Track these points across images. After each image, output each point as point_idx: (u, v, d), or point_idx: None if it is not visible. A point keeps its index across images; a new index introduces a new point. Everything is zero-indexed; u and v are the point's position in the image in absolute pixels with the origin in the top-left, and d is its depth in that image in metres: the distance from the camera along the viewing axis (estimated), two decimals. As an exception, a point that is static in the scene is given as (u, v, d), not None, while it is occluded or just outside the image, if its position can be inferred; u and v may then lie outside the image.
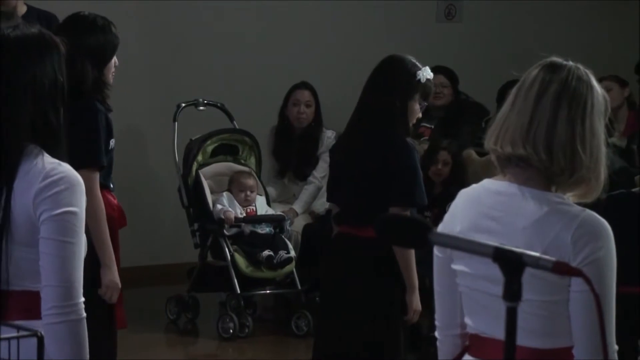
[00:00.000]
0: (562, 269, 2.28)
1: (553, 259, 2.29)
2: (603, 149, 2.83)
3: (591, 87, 2.82)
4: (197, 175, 7.35)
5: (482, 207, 2.88)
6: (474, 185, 2.98)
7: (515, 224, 2.82)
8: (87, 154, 4.47)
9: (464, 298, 2.86)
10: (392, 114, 4.64)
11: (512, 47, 9.29)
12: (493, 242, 2.39)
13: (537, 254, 2.31)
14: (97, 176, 4.54)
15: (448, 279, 2.86)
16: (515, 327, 2.27)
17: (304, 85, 7.53)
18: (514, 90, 2.81)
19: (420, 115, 4.55)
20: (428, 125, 7.67)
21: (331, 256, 4.91)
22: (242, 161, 7.52)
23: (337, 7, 9.27)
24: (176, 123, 7.53)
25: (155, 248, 8.49)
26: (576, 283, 2.69)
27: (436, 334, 2.96)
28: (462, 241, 2.47)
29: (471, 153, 7.94)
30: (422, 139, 7.45)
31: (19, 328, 2.93)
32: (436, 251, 2.86)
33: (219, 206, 7.18)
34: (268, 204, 7.44)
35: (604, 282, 2.72)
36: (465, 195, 2.91)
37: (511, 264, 2.25)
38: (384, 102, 4.64)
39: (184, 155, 7.49)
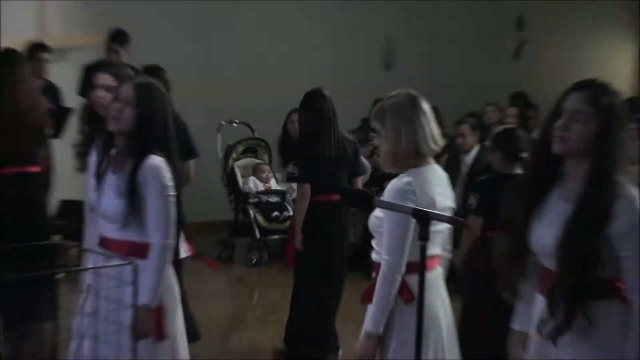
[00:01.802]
0: (456, 222, 3.52)
1: (449, 215, 3.48)
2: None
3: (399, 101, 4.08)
4: (232, 166, 10.61)
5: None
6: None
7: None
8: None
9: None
10: None
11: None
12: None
13: (438, 212, 3.53)
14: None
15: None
16: (425, 261, 3.27)
17: (296, 110, 7.92)
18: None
19: None
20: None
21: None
22: (260, 157, 10.73)
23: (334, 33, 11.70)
24: (219, 134, 10.70)
25: (209, 209, 10.61)
26: None
27: None
28: (391, 204, 3.60)
29: None
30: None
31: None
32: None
33: (245, 187, 10.38)
34: (277, 183, 10.56)
35: None
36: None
37: (422, 219, 3.36)
38: None
39: (224, 153, 10.65)
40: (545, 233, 3.57)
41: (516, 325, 3.87)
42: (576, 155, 3.53)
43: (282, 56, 12.12)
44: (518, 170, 6.19)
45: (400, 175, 4.19)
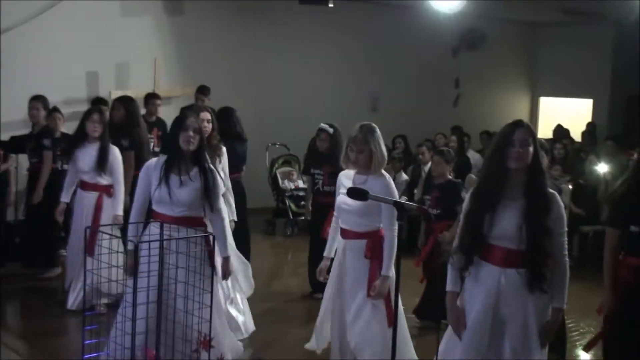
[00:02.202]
0: (420, 210, 3.88)
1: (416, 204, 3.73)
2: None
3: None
4: (275, 173, 13.82)
5: None
6: None
7: None
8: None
9: None
10: None
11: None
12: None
13: (409, 202, 3.79)
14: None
15: None
16: (399, 234, 3.85)
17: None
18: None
19: None
20: None
21: None
22: (292, 167, 13.96)
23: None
24: (267, 152, 13.91)
25: (261, 198, 13.44)
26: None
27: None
28: (381, 198, 4.00)
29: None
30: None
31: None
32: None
33: (283, 184, 13.81)
34: (302, 183, 13.43)
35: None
36: None
37: (399, 207, 3.84)
38: None
39: (270, 164, 13.81)
40: (505, 223, 4.19)
41: (450, 287, 4.50)
42: (522, 169, 4.20)
43: (305, 97, 15.38)
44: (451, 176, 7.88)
45: (378, 175, 5.23)
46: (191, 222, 5.45)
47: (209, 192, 5.43)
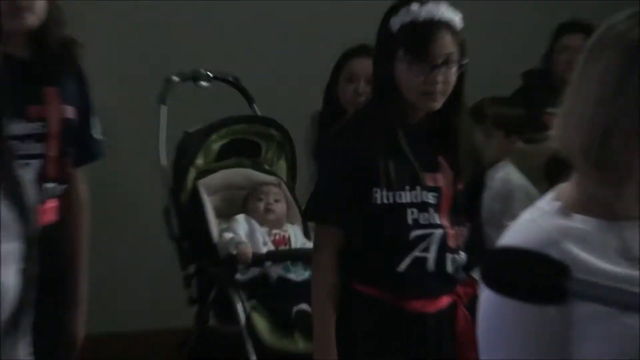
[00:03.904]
0: None
1: None
2: None
3: None
4: (196, 189, 5.38)
5: None
6: None
7: None
8: None
9: None
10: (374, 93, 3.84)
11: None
12: None
13: None
14: None
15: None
16: None
17: (364, 51, 5.28)
18: None
19: (440, 79, 3.40)
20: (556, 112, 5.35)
21: None
22: (267, 166, 5.49)
23: None
24: (165, 107, 5.47)
25: (130, 307, 6.49)
26: None
27: None
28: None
29: None
30: (546, 132, 5.18)
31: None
32: None
33: (228, 236, 5.15)
34: (306, 234, 5.35)
35: None
36: None
37: None
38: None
39: (175, 156, 5.45)
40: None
41: None
42: None
43: None
44: None
45: None
46: None
47: None
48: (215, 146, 5.33)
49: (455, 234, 3.54)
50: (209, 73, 5.59)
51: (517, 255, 1.66)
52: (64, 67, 3.92)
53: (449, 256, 3.50)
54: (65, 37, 3.90)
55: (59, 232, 3.94)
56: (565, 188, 1.80)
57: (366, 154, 3.41)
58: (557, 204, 1.78)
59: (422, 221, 3.46)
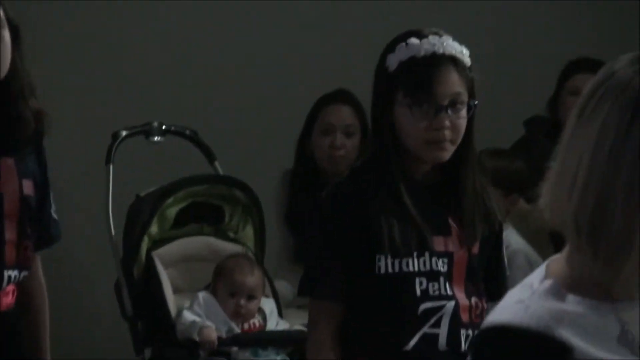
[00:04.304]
0: None
1: None
2: None
3: None
4: (150, 261, 4.88)
5: None
6: None
7: None
8: None
9: None
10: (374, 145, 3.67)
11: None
12: None
13: None
14: None
15: None
16: None
17: (341, 97, 5.09)
18: None
19: (447, 124, 3.16)
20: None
21: None
22: (231, 234, 5.05)
23: None
24: (111, 166, 5.05)
25: None
26: None
27: None
28: None
29: None
30: None
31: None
32: None
33: (188, 316, 4.66)
34: (279, 312, 4.94)
35: None
36: None
37: None
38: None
39: (125, 224, 4.96)
40: None
41: None
42: None
43: None
44: None
45: None
46: None
47: None
48: (172, 211, 4.88)
49: (471, 307, 3.31)
50: (162, 126, 5.21)
51: (511, 338, 1.66)
52: (26, 138, 3.61)
53: (463, 332, 3.25)
54: (32, 105, 3.65)
55: (18, 317, 3.77)
56: (557, 262, 1.73)
57: (366, 216, 3.15)
58: (549, 282, 1.70)
59: (431, 292, 3.24)
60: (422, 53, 2.99)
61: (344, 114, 5.01)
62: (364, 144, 5.01)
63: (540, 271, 1.71)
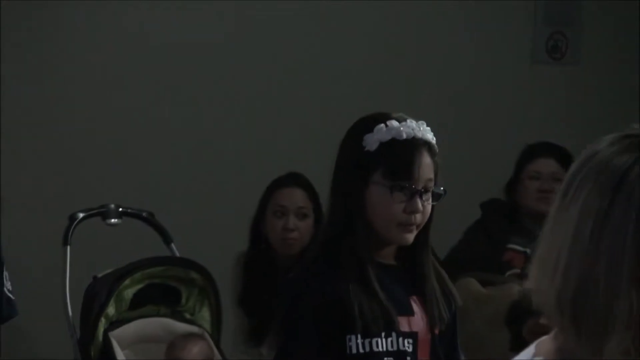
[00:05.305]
0: None
1: None
2: None
3: None
4: (107, 342, 4.74)
5: None
6: None
7: None
8: None
9: None
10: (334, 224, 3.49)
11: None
12: None
13: None
14: None
15: None
16: None
17: (293, 180, 5.10)
18: None
19: (420, 208, 3.15)
20: (519, 249, 5.11)
21: None
22: (188, 315, 4.90)
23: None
24: (68, 247, 4.97)
25: None
26: None
27: None
28: None
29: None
30: (508, 272, 5.18)
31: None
32: None
33: None
34: None
35: None
36: None
37: None
38: (331, 204, 3.49)
39: (82, 304, 4.81)
40: None
41: None
42: None
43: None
44: None
45: None
46: None
47: None
48: (129, 293, 4.77)
49: None
50: (119, 208, 5.15)
51: None
52: None
53: None
54: None
55: None
56: (545, 342, 1.73)
57: (337, 295, 3.06)
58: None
59: None
60: (404, 136, 2.98)
61: (296, 197, 5.00)
62: (316, 228, 4.93)
63: (530, 350, 1.70)
